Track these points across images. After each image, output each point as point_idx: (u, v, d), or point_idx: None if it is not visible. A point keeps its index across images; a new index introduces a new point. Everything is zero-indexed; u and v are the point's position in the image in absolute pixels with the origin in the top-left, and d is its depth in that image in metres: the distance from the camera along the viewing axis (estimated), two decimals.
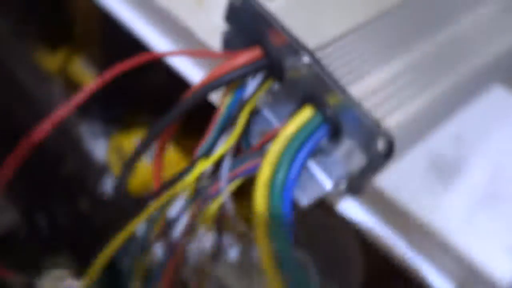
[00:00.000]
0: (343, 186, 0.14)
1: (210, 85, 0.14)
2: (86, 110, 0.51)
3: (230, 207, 0.13)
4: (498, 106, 0.17)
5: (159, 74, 0.43)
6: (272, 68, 0.13)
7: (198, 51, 0.16)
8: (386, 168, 0.15)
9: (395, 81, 0.13)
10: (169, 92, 0.47)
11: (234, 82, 0.14)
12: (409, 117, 0.13)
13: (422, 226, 0.15)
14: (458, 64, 0.13)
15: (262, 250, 0.12)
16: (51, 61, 0.51)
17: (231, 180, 0.13)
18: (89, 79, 0.48)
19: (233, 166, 0.13)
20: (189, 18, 0.18)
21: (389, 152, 0.11)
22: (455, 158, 0.16)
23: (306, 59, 0.12)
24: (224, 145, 0.13)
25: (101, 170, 0.50)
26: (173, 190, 0.14)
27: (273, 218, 0.12)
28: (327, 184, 0.14)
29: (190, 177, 0.13)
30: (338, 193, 0.14)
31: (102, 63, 0.48)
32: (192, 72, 0.19)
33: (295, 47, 0.12)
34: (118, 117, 0.49)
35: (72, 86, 0.49)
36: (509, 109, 0.17)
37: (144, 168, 0.46)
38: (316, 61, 0.12)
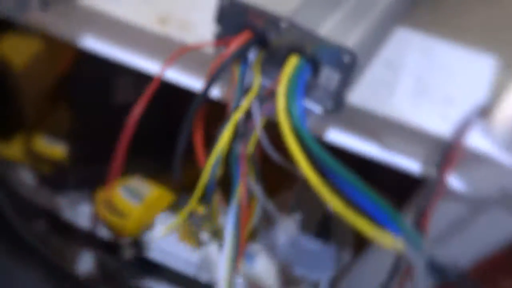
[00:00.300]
0: (329, 106, 0.21)
1: (222, 65, 0.20)
2: (59, 184, 0.54)
3: (265, 139, 0.19)
4: (406, 41, 0.25)
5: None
6: (261, 42, 0.20)
7: (195, 45, 0.22)
8: (351, 89, 0.22)
9: (339, 26, 0.20)
10: (138, 136, 0.52)
11: (236, 60, 0.20)
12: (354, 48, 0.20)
13: (385, 121, 0.22)
14: (374, 7, 0.21)
15: (301, 162, 0.18)
16: (11, 149, 0.54)
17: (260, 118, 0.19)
18: (58, 151, 0.51)
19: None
20: (180, 39, 0.24)
21: (353, 62, 0.18)
22: (390, 74, 0.23)
23: (284, 24, 0.19)
24: (249, 96, 0.19)
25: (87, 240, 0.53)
26: (219, 144, 0.20)
27: (300, 137, 0.18)
28: (317, 108, 0.21)
29: (230, 127, 0.19)
30: (326, 113, 0.21)
31: (65, 131, 0.52)
32: (192, 81, 0.25)
33: (274, 20, 0.19)
34: (93, 179, 0.52)
35: (42, 162, 0.52)
36: (413, 43, 0.25)
37: (136, 211, 0.50)
38: (292, 24, 0.19)
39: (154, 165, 0.52)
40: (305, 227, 0.27)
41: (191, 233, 0.45)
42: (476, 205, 0.25)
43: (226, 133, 0.19)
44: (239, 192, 0.19)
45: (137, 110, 0.23)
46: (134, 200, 0.50)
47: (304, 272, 0.40)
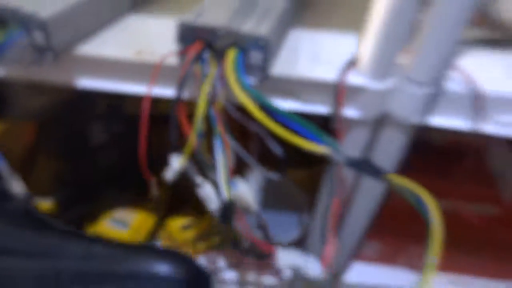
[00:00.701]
0: (260, 77, 0.33)
1: (188, 67, 0.32)
2: None
3: (227, 103, 0.31)
4: (298, 36, 0.38)
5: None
6: (209, 46, 0.32)
7: (165, 57, 0.33)
8: (272, 65, 0.34)
9: (254, 25, 0.32)
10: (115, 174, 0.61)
11: (197, 61, 0.32)
12: (266, 35, 0.32)
13: (298, 82, 0.35)
14: (273, 11, 0.34)
15: (254, 111, 0.29)
16: None
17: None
18: (45, 206, 0.58)
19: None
20: (153, 62, 0.35)
21: (268, 44, 0.31)
22: (294, 55, 0.36)
23: (220, 32, 0.31)
24: (209, 76, 0.31)
25: None
26: (199, 106, 0.31)
27: (249, 94, 0.30)
28: (253, 80, 0.33)
29: (202, 96, 0.31)
30: (260, 82, 0.33)
31: (47, 186, 0.59)
32: (168, 91, 0.36)
33: (214, 30, 0.31)
34: (80, 219, 0.60)
35: None
36: (303, 36, 0.39)
37: (126, 236, 0.58)
38: (226, 30, 0.31)
39: (132, 195, 0.61)
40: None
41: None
42: (372, 126, 0.38)
43: (202, 98, 0.31)
44: (219, 131, 0.30)
45: (144, 124, 0.33)
46: (122, 228, 0.59)
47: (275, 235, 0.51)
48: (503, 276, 0.57)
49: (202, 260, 0.61)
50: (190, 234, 0.58)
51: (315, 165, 0.57)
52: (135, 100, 0.36)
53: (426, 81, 0.33)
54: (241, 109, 0.31)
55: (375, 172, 0.34)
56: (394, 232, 0.59)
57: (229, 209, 0.30)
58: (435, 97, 0.35)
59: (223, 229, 0.59)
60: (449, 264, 0.57)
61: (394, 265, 0.61)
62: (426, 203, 0.31)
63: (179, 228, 0.58)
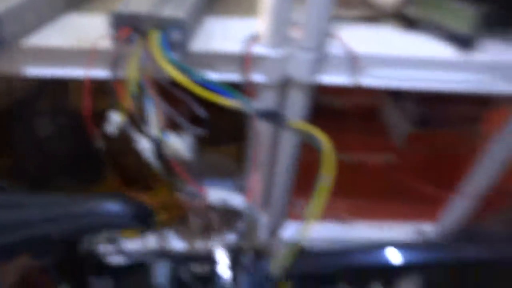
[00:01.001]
0: (181, 52, 0.41)
1: (120, 47, 0.39)
2: None
3: (157, 73, 0.39)
4: (211, 22, 0.47)
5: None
6: (137, 30, 0.40)
7: (99, 39, 0.41)
8: (192, 43, 0.43)
9: (172, 10, 0.41)
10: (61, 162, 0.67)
11: (128, 43, 0.40)
12: (183, 17, 0.41)
13: (213, 56, 0.43)
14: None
15: (178, 77, 0.38)
16: None
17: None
18: None
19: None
20: (91, 48, 0.42)
21: (185, 24, 0.39)
22: (208, 36, 0.45)
23: (143, 18, 0.39)
24: (136, 52, 0.39)
25: None
26: (129, 75, 0.38)
27: (173, 64, 0.38)
28: (177, 55, 0.41)
29: (131, 65, 0.38)
30: (182, 57, 0.41)
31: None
32: (105, 72, 0.43)
33: (138, 17, 0.39)
34: None
35: None
36: (215, 22, 0.48)
37: None
38: (148, 16, 0.39)
39: (79, 180, 0.66)
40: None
41: None
42: (279, 88, 0.47)
43: (131, 66, 0.38)
44: (150, 94, 0.38)
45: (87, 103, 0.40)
46: None
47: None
48: (409, 217, 0.68)
49: (153, 233, 0.68)
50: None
51: (243, 140, 0.66)
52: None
53: (312, 47, 0.43)
54: (171, 82, 0.40)
55: (280, 120, 0.43)
56: None
57: (161, 147, 0.38)
58: (321, 60, 0.44)
59: (171, 203, 0.66)
60: (358, 211, 0.67)
61: (323, 220, 0.71)
62: (318, 137, 0.40)
63: None
